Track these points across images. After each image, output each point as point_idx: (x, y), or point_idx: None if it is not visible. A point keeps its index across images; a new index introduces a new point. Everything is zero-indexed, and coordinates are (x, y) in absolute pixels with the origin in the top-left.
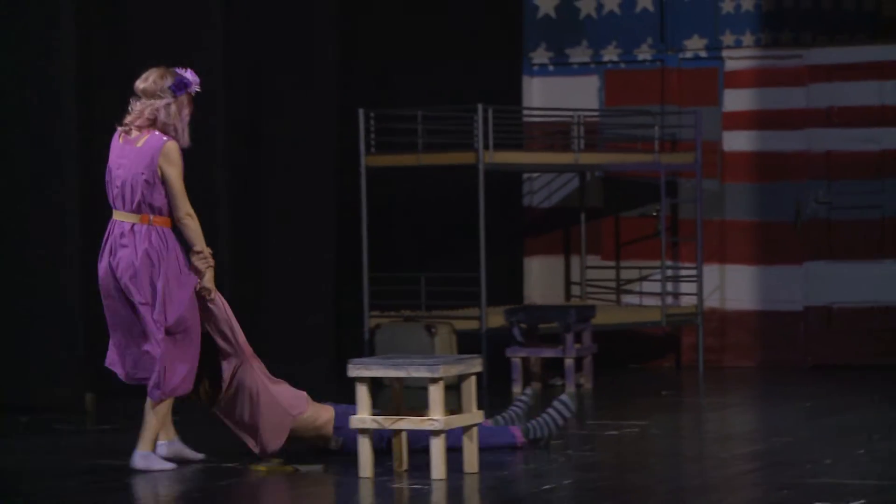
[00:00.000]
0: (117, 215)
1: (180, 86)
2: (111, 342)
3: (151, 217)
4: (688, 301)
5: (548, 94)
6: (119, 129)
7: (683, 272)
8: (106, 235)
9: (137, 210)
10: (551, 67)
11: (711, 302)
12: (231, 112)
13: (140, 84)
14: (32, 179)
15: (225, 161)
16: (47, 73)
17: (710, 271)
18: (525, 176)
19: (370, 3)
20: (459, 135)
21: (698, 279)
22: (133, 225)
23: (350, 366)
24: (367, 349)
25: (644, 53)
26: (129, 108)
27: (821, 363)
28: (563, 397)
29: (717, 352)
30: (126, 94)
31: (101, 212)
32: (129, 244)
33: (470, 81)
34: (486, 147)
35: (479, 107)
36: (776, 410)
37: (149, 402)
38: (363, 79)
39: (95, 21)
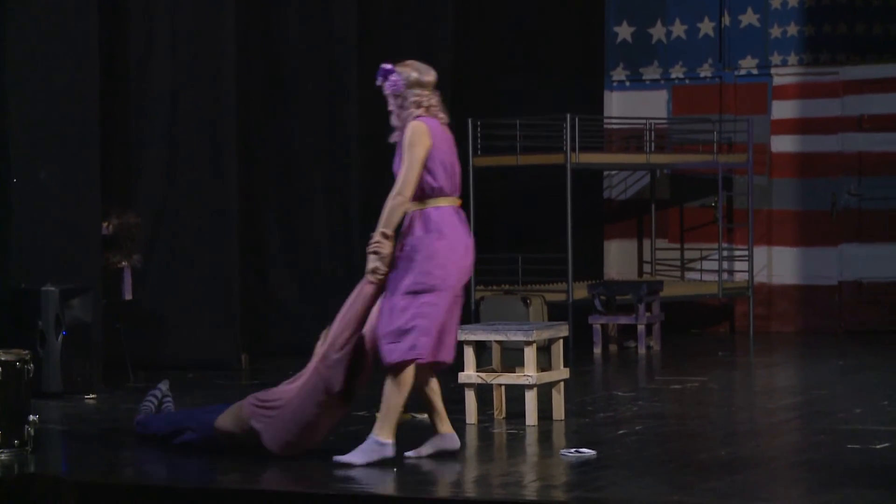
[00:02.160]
0: (455, 201)
1: None
2: (444, 331)
3: None
4: (740, 277)
5: (625, 105)
6: (438, 121)
7: (737, 253)
8: (458, 220)
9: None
10: (628, 83)
11: (760, 277)
12: (362, 117)
13: (432, 77)
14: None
15: (357, 159)
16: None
17: (760, 252)
18: (605, 173)
19: (480, 31)
20: (551, 139)
21: (749, 258)
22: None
23: (459, 331)
24: (473, 317)
25: (705, 71)
26: (429, 100)
27: (852, 329)
28: (161, 385)
29: (764, 319)
30: None
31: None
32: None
33: (561, 95)
34: (573, 149)
35: (568, 116)
36: (814, 368)
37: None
38: (472, 92)
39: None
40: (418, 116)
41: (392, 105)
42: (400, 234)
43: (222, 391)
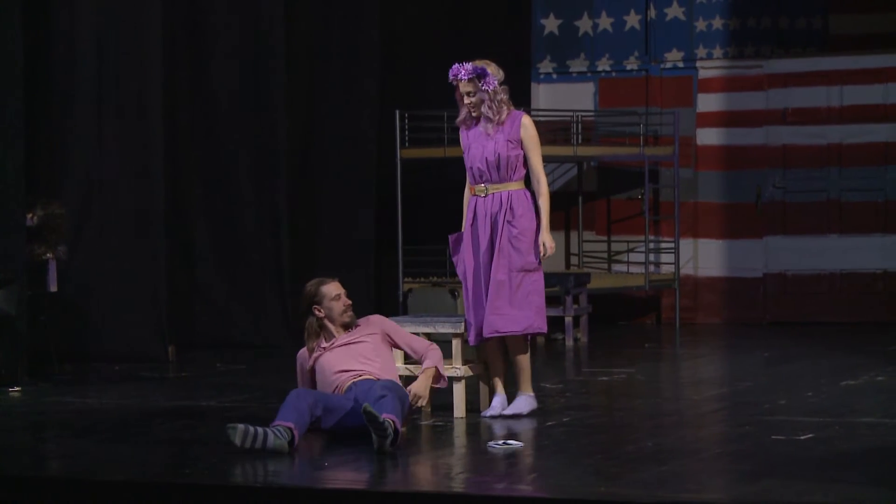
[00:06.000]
0: None
1: None
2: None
3: None
4: (667, 269)
5: (551, 97)
6: None
7: (663, 245)
8: None
9: None
10: (554, 76)
11: (686, 269)
12: (291, 113)
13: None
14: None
15: (284, 148)
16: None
17: (686, 244)
18: None
19: (406, 22)
20: None
21: (675, 250)
22: None
23: None
24: (401, 309)
25: (631, 64)
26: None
27: (777, 320)
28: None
29: (691, 311)
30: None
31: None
32: None
33: None
34: None
35: None
36: (739, 360)
37: None
38: (399, 84)
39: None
40: (514, 110)
41: (479, 98)
42: (499, 210)
43: (149, 383)
